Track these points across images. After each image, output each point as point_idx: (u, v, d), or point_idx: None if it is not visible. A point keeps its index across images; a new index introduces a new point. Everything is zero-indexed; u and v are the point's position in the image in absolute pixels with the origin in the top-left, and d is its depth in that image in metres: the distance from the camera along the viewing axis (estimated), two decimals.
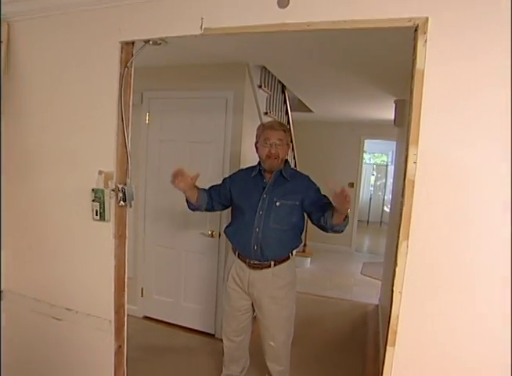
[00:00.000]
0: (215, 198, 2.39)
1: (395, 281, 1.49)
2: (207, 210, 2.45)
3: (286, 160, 2.36)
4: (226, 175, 2.94)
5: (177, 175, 2.16)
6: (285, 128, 2.31)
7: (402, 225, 1.46)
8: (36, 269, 2.17)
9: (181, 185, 2.17)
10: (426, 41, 1.37)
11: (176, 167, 2.19)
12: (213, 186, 2.44)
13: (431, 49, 1.37)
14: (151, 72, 2.98)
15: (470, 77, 1.34)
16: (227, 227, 2.40)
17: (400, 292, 1.48)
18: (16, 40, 2.05)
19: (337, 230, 2.11)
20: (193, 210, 2.39)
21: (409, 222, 1.44)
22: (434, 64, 1.37)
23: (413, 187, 1.43)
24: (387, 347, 1.52)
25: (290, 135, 2.35)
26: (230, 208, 2.46)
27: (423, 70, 1.38)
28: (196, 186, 2.29)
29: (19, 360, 2.27)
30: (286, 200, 2.20)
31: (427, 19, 1.36)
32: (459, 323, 1.43)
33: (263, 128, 2.30)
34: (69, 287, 2.09)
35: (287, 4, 1.53)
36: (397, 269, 1.48)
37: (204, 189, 2.38)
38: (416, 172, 1.42)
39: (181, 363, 2.95)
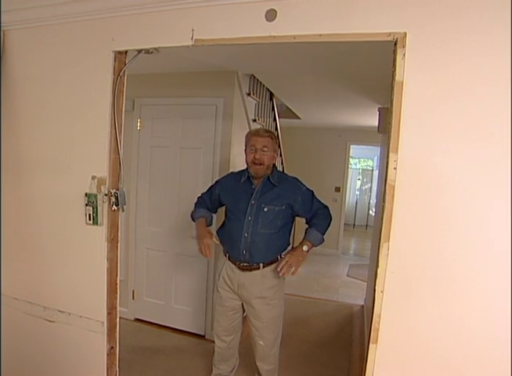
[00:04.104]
0: (210, 206, 2.51)
1: (377, 281, 1.55)
2: None
3: (274, 166, 2.41)
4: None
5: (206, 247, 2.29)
6: (271, 135, 2.33)
7: (383, 227, 1.53)
8: (29, 272, 2.19)
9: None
10: (404, 54, 1.45)
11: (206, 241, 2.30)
12: (205, 195, 2.54)
13: (410, 62, 1.44)
14: (143, 79, 3.03)
15: (446, 88, 1.42)
16: (219, 229, 2.47)
17: (382, 291, 1.54)
18: (10, 48, 2.09)
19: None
20: None
21: (390, 224, 1.51)
22: (412, 76, 1.45)
23: (394, 192, 1.50)
24: (370, 344, 1.58)
25: (277, 141, 2.39)
26: (224, 208, 2.50)
27: (403, 82, 1.46)
28: (204, 219, 2.46)
29: (12, 362, 2.28)
30: (274, 206, 2.25)
31: (405, 34, 1.44)
32: (439, 320, 1.50)
33: (249, 135, 2.34)
34: (62, 289, 2.13)
35: (275, 17, 1.60)
36: (379, 270, 1.55)
37: (206, 210, 2.51)
38: (396, 178, 1.49)
39: (171, 364, 2.98)
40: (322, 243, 2.31)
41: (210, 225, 2.52)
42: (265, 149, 2.26)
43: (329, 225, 2.34)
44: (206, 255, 2.27)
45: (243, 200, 2.30)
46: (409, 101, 1.46)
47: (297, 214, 2.35)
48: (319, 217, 2.34)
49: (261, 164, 2.25)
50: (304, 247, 2.23)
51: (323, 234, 2.31)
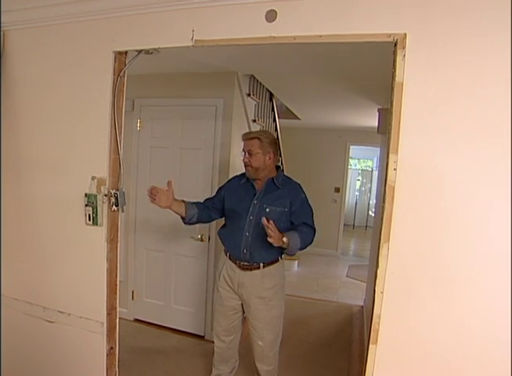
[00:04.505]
0: (210, 206, 2.44)
1: (377, 282, 1.55)
2: (206, 221, 2.51)
3: (279, 168, 2.41)
4: (216, 182, 2.99)
5: (152, 193, 2.14)
6: (260, 136, 2.28)
7: (383, 228, 1.53)
8: (29, 272, 2.19)
9: (162, 200, 2.15)
10: (404, 55, 1.45)
11: (149, 187, 2.17)
12: (208, 198, 2.52)
13: (410, 63, 1.45)
14: (142, 80, 3.03)
15: (446, 88, 1.43)
16: (220, 229, 2.47)
17: (382, 292, 1.54)
18: (10, 48, 2.09)
19: (286, 253, 2.19)
20: (188, 223, 2.39)
21: (390, 225, 1.51)
22: (412, 77, 1.45)
23: (394, 192, 1.50)
24: (370, 345, 1.58)
25: (272, 142, 2.33)
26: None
27: (402, 83, 1.46)
28: (182, 200, 2.31)
29: (11, 363, 2.28)
30: (276, 207, 2.25)
31: (405, 35, 1.44)
32: (439, 320, 1.50)
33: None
34: (61, 290, 2.13)
35: (275, 18, 1.60)
36: (378, 270, 1.55)
37: (195, 202, 2.40)
38: (396, 178, 1.49)
39: (171, 365, 2.98)
40: (289, 253, 2.18)
41: (190, 219, 2.35)
42: (250, 151, 2.27)
43: (306, 246, 2.20)
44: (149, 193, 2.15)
45: (245, 200, 2.32)
46: (409, 102, 1.46)
47: (291, 216, 2.29)
48: (306, 230, 2.24)
49: (249, 166, 2.28)
50: (284, 239, 2.05)
51: (300, 248, 2.18)
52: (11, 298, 2.22)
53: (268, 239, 2.00)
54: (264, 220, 2.00)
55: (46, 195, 2.10)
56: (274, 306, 2.33)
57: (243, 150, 2.31)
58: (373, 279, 1.61)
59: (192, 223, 2.42)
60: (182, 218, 2.35)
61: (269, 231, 1.98)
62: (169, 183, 2.20)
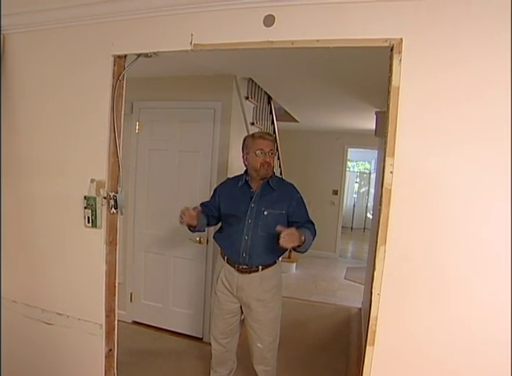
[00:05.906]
0: (209, 213, 2.42)
1: (374, 284, 1.56)
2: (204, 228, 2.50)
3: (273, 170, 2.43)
4: (214, 184, 3.00)
5: (184, 214, 2.18)
6: (273, 138, 2.40)
7: (379, 230, 1.54)
8: (28, 274, 2.19)
9: (188, 220, 2.20)
10: (401, 60, 1.47)
11: (182, 207, 2.22)
12: (204, 203, 2.48)
13: (406, 67, 1.47)
14: (141, 82, 3.04)
15: (443, 92, 1.44)
16: (216, 233, 2.48)
17: (378, 294, 1.56)
18: (11, 51, 2.10)
19: (297, 251, 2.16)
20: (194, 232, 2.41)
21: (387, 228, 1.53)
22: (408, 81, 1.47)
23: (390, 195, 1.51)
24: (367, 346, 1.59)
25: (277, 144, 2.42)
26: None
27: (399, 87, 1.48)
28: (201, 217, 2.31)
29: (10, 365, 2.28)
30: (274, 209, 2.27)
31: (401, 39, 1.46)
32: (436, 322, 1.51)
33: (253, 139, 2.32)
34: (60, 292, 2.13)
35: (273, 23, 1.62)
36: (375, 273, 1.56)
37: (201, 211, 2.38)
38: (392, 181, 1.51)
39: (169, 367, 2.98)
40: (301, 250, 2.14)
41: (199, 229, 2.38)
42: (272, 151, 2.31)
43: (311, 242, 2.20)
44: (182, 218, 2.19)
45: (243, 204, 2.32)
46: (406, 105, 1.48)
47: (290, 219, 2.31)
48: (312, 227, 2.27)
49: (269, 165, 2.29)
50: (302, 238, 2.03)
51: (310, 244, 2.17)
52: (10, 300, 2.22)
53: (282, 244, 1.97)
54: (279, 228, 1.99)
55: (45, 197, 2.10)
56: (272, 308, 2.35)
57: (261, 149, 2.27)
58: (371, 281, 1.62)
59: (198, 232, 2.43)
60: (192, 226, 2.31)
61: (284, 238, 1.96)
62: (195, 209, 2.24)
